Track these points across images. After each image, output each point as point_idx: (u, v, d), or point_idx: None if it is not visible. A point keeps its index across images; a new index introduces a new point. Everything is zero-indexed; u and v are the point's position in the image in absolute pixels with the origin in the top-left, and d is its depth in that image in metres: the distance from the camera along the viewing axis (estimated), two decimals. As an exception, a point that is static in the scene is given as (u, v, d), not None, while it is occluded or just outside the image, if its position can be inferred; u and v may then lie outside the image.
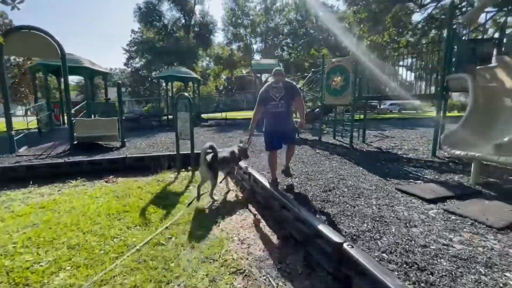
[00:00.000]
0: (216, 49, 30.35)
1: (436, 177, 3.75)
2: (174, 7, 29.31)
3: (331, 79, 6.38)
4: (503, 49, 4.53)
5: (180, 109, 4.27)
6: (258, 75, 20.78)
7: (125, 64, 35.32)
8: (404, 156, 5.22)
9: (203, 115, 18.33)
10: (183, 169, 4.31)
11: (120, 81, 9.46)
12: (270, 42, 27.94)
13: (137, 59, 32.61)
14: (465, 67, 4.24)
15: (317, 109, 6.92)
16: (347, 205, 2.75)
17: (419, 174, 3.92)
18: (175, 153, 4.39)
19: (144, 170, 4.17)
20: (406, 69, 5.46)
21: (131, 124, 12.18)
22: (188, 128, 4.07)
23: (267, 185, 2.83)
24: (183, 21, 30.54)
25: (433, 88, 5.29)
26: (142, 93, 29.52)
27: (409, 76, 5.63)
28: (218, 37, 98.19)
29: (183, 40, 28.50)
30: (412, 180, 3.60)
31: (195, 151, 4.13)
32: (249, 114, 21.26)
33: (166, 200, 3.03)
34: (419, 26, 16.62)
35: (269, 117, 3.10)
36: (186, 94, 3.88)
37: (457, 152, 3.36)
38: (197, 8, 31.58)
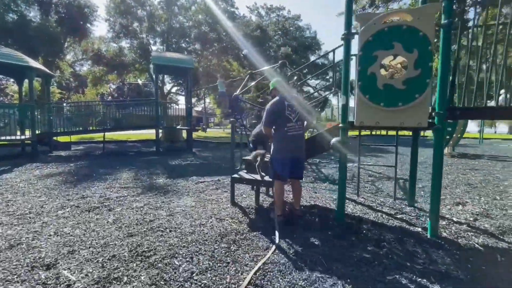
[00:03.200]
0: (97, 44, 21.98)
1: None
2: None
3: (376, 63, 2.46)
4: None
5: None
6: (161, 77, 15.05)
7: None
8: None
9: (63, 138, 10.55)
10: None
11: None
12: (174, 46, 22.60)
13: None
14: None
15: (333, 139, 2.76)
16: None
17: None
18: None
19: None
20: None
21: None
22: None
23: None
24: (38, -5, 20.54)
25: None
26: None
27: None
28: (101, 29, 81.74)
29: (35, 21, 18.75)
30: None
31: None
32: (151, 133, 14.53)
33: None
34: None
35: (288, 141, 2.57)
36: None
37: None
38: (64, -16, 22.30)
